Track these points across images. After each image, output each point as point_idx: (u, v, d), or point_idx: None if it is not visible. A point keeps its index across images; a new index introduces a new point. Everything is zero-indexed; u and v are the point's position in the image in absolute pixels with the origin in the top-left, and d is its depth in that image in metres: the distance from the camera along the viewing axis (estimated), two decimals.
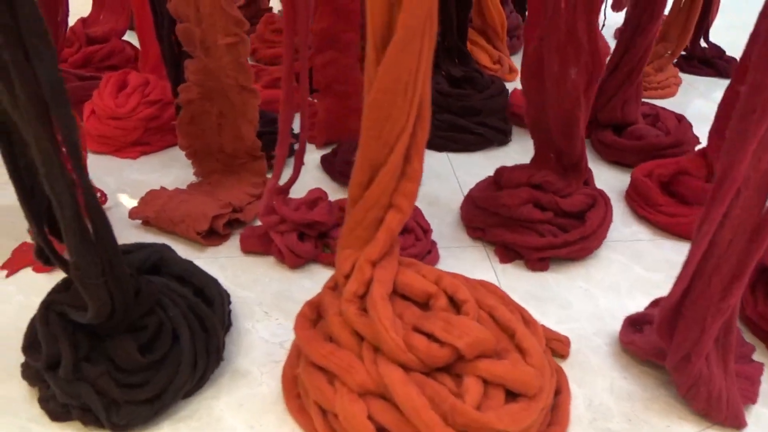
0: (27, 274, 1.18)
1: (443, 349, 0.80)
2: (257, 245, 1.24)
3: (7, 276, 1.16)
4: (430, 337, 0.82)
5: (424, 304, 0.91)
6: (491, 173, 1.37)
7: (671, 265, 1.27)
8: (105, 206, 1.37)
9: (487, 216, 1.27)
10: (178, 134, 1.37)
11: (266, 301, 1.13)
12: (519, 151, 1.72)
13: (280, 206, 1.20)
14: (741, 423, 0.91)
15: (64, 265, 0.88)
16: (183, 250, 1.23)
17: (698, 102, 2.16)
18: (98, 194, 1.28)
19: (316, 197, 1.25)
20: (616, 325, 1.09)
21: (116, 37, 2.08)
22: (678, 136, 1.58)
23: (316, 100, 1.64)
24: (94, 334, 0.89)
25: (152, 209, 1.29)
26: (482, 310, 0.89)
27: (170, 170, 1.56)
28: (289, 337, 1.04)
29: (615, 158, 1.63)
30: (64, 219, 0.76)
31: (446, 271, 0.94)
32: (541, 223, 1.22)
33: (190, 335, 0.91)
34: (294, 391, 0.92)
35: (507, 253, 1.25)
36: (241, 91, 1.28)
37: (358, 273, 0.87)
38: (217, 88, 1.31)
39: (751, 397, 0.94)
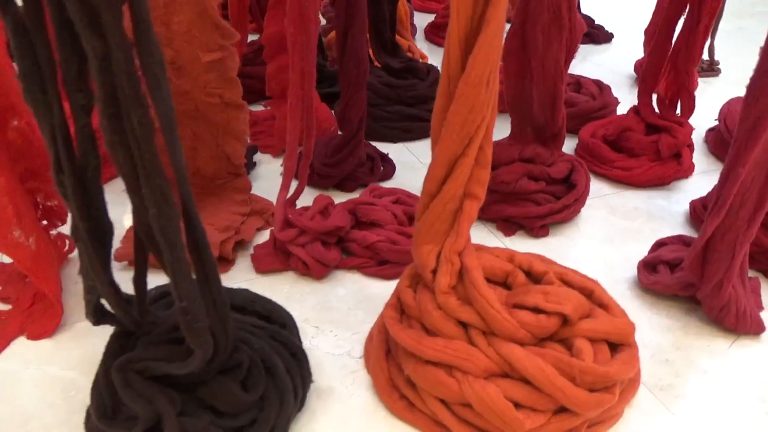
0: (21, 345, 1.02)
1: (551, 318, 0.85)
2: (274, 263, 1.19)
3: (0, 351, 1.00)
4: (533, 310, 0.86)
5: (503, 283, 0.95)
6: None
7: (640, 212, 1.44)
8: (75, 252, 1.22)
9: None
10: None
11: (310, 316, 1.09)
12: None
13: (297, 218, 1.16)
14: (762, 328, 1.07)
15: (129, 317, 0.80)
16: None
17: (586, 65, 2.40)
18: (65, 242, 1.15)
19: (326, 204, 1.23)
20: (626, 272, 1.22)
21: None
22: (603, 100, 1.76)
23: (269, 108, 1.58)
24: (181, 386, 0.81)
25: None
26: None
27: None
28: (352, 345, 1.03)
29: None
30: (174, 261, 0.69)
31: (510, 249, 0.99)
32: (536, 193, 1.31)
33: (284, 364, 0.86)
34: (394, 394, 0.91)
35: (510, 226, 1.33)
36: (225, 109, 1.21)
37: (447, 265, 0.88)
38: (190, 110, 1.22)
39: (760, 306, 1.11)
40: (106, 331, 1.02)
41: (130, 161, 0.66)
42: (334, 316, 1.09)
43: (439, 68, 0.87)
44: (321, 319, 1.09)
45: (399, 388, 0.91)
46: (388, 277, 1.18)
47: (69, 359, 0.99)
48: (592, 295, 0.94)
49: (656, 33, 1.52)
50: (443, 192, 0.87)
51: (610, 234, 1.35)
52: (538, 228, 1.31)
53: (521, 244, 1.30)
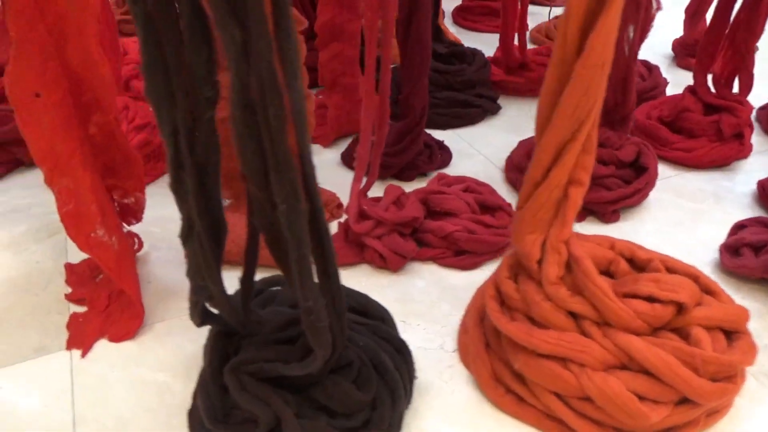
0: (104, 347, 1.00)
1: (667, 307, 0.83)
2: (348, 256, 1.16)
3: (83, 355, 0.98)
4: (647, 299, 0.84)
5: (606, 272, 0.93)
6: (508, 142, 1.46)
7: (706, 193, 1.41)
8: (143, 250, 1.19)
9: None
10: None
11: (394, 310, 1.05)
12: (513, 116, 1.77)
13: (372, 210, 1.13)
14: None
15: (236, 317, 0.77)
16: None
17: None
18: (134, 240, 1.12)
19: (398, 194, 1.20)
20: (705, 255, 1.20)
21: None
22: (654, 80, 1.73)
23: (320, 97, 1.55)
24: (293, 387, 0.79)
25: None
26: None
27: None
28: (444, 339, 1.01)
29: None
30: (301, 259, 0.66)
31: (610, 236, 0.96)
32: (607, 178, 1.28)
33: (392, 360, 0.84)
34: (499, 388, 0.89)
35: (580, 212, 1.30)
36: None
37: (554, 255, 0.86)
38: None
39: None
40: (188, 331, 1.01)
41: (259, 155, 0.63)
42: (418, 309, 1.07)
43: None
44: (405, 313, 1.06)
45: (505, 383, 0.89)
46: (466, 267, 1.15)
47: (156, 361, 0.96)
48: (697, 281, 0.91)
49: (715, 9, 1.49)
50: (549, 179, 0.84)
51: (680, 217, 1.33)
52: (609, 213, 1.28)
53: (593, 230, 1.27)
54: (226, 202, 1.30)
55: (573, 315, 0.85)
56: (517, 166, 1.42)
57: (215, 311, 0.81)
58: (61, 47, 0.84)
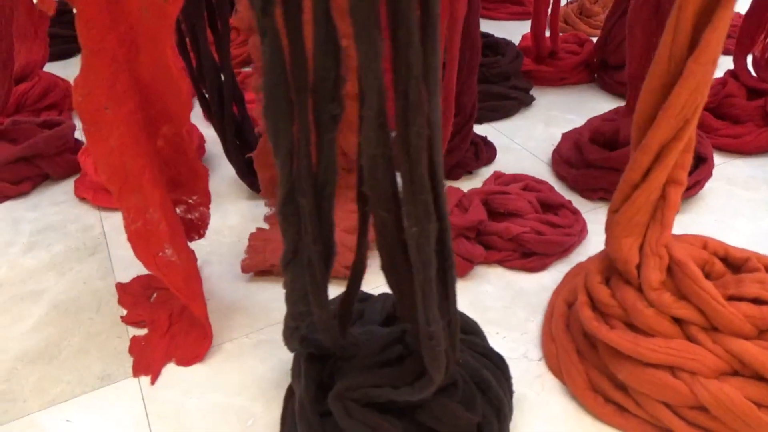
0: (173, 372, 0.95)
1: None
2: None
3: (153, 382, 0.93)
4: (753, 301, 0.81)
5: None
6: (548, 135, 1.47)
7: (758, 181, 1.39)
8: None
9: (610, 175, 1.27)
10: (257, 167, 1.17)
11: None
12: (546, 107, 1.73)
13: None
14: None
15: (337, 341, 0.73)
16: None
17: None
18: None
19: (459, 196, 1.16)
20: None
21: (38, 69, 1.70)
22: None
23: None
24: (397, 411, 0.75)
25: (277, 256, 1.09)
26: None
27: (224, 207, 1.33)
28: (526, 347, 0.97)
29: None
30: (427, 282, 0.62)
31: (701, 235, 0.93)
32: None
33: (494, 378, 0.80)
34: (598, 398, 0.86)
35: None
36: (346, 100, 1.12)
37: (655, 259, 0.82)
38: None
39: None
40: (257, 351, 0.97)
41: (390, 176, 0.58)
42: (493, 316, 1.03)
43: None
44: (480, 320, 1.01)
45: (603, 392, 0.86)
46: (534, 269, 1.11)
47: (230, 384, 0.92)
48: None
49: None
50: (649, 181, 0.80)
51: (738, 207, 1.30)
52: None
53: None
54: (270, 210, 1.25)
55: (677, 321, 0.82)
56: (566, 160, 1.38)
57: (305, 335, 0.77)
58: (132, 58, 0.79)
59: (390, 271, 0.66)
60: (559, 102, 1.75)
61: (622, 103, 1.72)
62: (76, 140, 1.47)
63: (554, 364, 0.92)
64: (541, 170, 1.43)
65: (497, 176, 1.26)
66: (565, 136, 1.46)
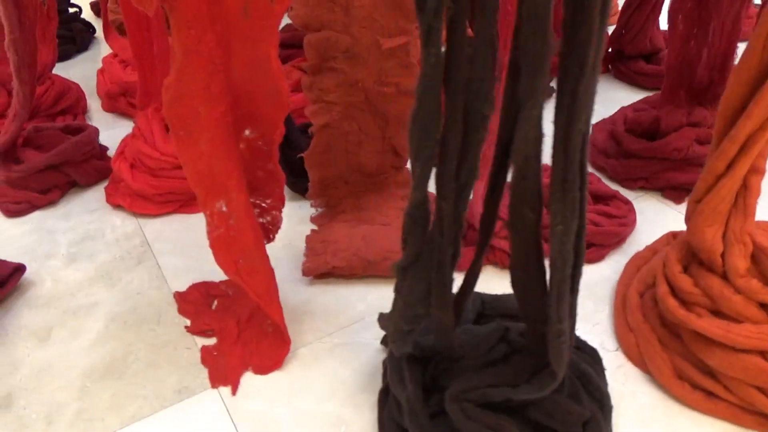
0: (251, 381, 0.92)
1: None
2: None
3: (234, 392, 0.90)
4: None
5: None
6: None
7: None
8: None
9: (651, 164, 1.29)
10: (308, 167, 1.15)
11: None
12: None
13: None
14: None
15: (450, 344, 0.73)
16: (387, 293, 1.07)
17: None
18: None
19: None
20: None
21: (48, 71, 1.63)
22: None
23: None
24: (509, 410, 0.75)
25: (339, 258, 1.08)
26: None
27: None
28: (601, 338, 0.98)
29: (655, 84, 1.74)
30: (563, 281, 0.62)
31: None
32: (704, 157, 1.28)
33: (594, 371, 0.81)
34: (686, 385, 0.87)
35: (679, 194, 1.30)
36: (400, 97, 1.11)
37: (739, 246, 0.84)
38: (359, 102, 1.12)
39: None
40: (334, 354, 0.96)
41: (538, 175, 0.58)
42: None
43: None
44: None
45: (690, 379, 0.87)
46: (592, 260, 1.13)
47: (315, 390, 0.90)
48: None
49: None
50: (734, 170, 0.82)
51: None
52: None
53: None
54: (317, 211, 1.23)
55: (763, 306, 0.84)
56: (602, 151, 1.40)
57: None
58: (226, 59, 0.76)
59: (520, 270, 0.65)
60: None
61: (640, 93, 1.75)
62: (101, 145, 1.42)
63: (635, 354, 0.93)
64: None
65: (544, 169, 1.26)
66: (598, 126, 1.47)
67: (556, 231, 0.58)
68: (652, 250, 1.10)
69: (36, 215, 1.30)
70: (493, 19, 0.51)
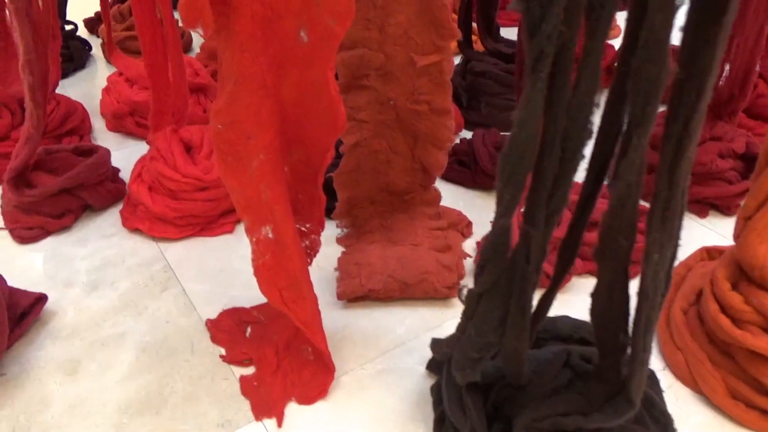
0: (294, 412, 0.89)
1: None
2: None
3: (280, 424, 0.87)
4: None
5: None
6: None
7: None
8: None
9: None
10: (337, 187, 1.12)
11: None
12: None
13: None
14: None
15: (519, 371, 0.71)
16: (426, 315, 1.05)
17: None
18: None
19: None
20: None
21: (53, 92, 1.58)
22: None
23: None
24: None
25: (374, 281, 1.05)
26: None
27: None
28: (655, 358, 0.97)
29: None
30: (653, 309, 0.60)
31: None
32: (727, 171, 1.29)
33: (654, 393, 0.80)
34: (739, 405, 0.86)
35: (703, 208, 1.30)
36: (431, 116, 1.09)
37: None
38: (389, 120, 1.10)
39: None
40: (379, 382, 0.93)
41: (636, 203, 0.57)
42: None
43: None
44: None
45: (745, 398, 0.86)
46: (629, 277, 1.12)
47: (364, 420, 0.87)
48: None
49: None
50: None
51: None
52: (736, 205, 1.29)
53: (719, 224, 1.27)
54: (342, 231, 1.21)
55: None
56: None
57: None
58: (278, 82, 0.73)
59: (605, 298, 0.64)
60: None
61: None
62: (113, 167, 1.38)
63: (685, 374, 0.93)
64: None
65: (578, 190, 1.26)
66: None
67: (651, 259, 0.57)
68: (687, 266, 1.09)
69: (50, 241, 1.25)
70: (602, 43, 0.50)
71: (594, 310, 0.66)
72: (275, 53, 0.71)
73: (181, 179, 1.19)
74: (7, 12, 1.11)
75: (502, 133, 1.51)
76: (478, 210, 1.32)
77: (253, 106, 0.72)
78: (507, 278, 0.62)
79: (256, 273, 0.83)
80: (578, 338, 0.87)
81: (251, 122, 0.72)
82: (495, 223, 0.60)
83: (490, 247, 0.61)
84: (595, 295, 0.65)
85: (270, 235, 0.80)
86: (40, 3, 1.19)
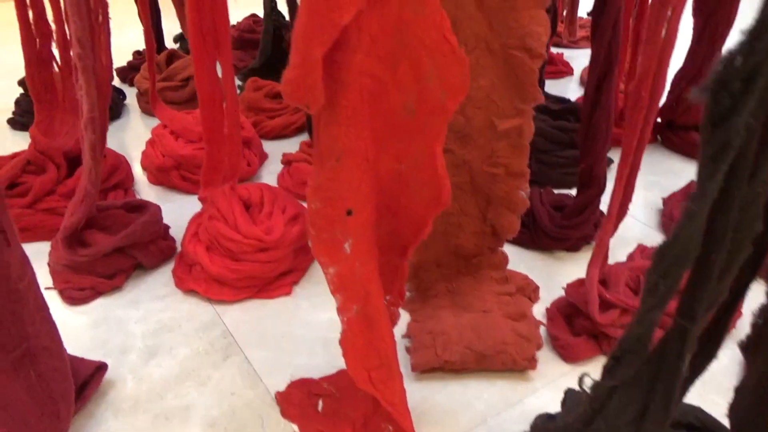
0: None
1: None
2: (586, 350, 1.05)
3: None
4: None
5: None
6: (643, 197, 1.52)
7: None
8: None
9: None
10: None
11: None
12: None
13: (617, 297, 1.04)
14: None
15: None
16: (505, 389, 1.00)
17: None
18: None
19: (615, 270, 1.11)
20: None
21: None
22: None
23: None
24: None
25: (450, 351, 1.01)
26: None
27: None
28: None
29: None
30: None
31: None
32: None
33: None
34: None
35: None
36: (507, 179, 1.07)
37: None
38: (463, 183, 1.08)
39: None
40: None
41: None
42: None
43: None
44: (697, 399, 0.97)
45: None
46: None
47: None
48: None
49: None
50: None
51: None
52: None
53: None
54: (409, 294, 1.17)
55: None
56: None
57: None
58: (377, 155, 0.71)
59: (754, 396, 0.59)
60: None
61: (693, 163, 1.75)
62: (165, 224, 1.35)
63: None
64: (656, 238, 1.41)
65: (642, 249, 1.23)
66: (669, 201, 1.45)
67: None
68: None
69: (100, 303, 1.20)
70: None
71: (736, 408, 0.62)
72: (379, 127, 0.69)
73: (242, 240, 1.15)
74: (73, 68, 1.09)
75: (556, 192, 1.48)
76: (540, 272, 1.28)
77: (355, 181, 0.69)
78: (650, 372, 0.58)
79: (345, 354, 0.78)
80: (686, 423, 0.83)
81: (352, 198, 0.69)
82: (642, 315, 0.56)
83: (633, 339, 0.57)
84: (740, 391, 0.61)
85: (362, 314, 0.76)
86: (104, 59, 1.17)
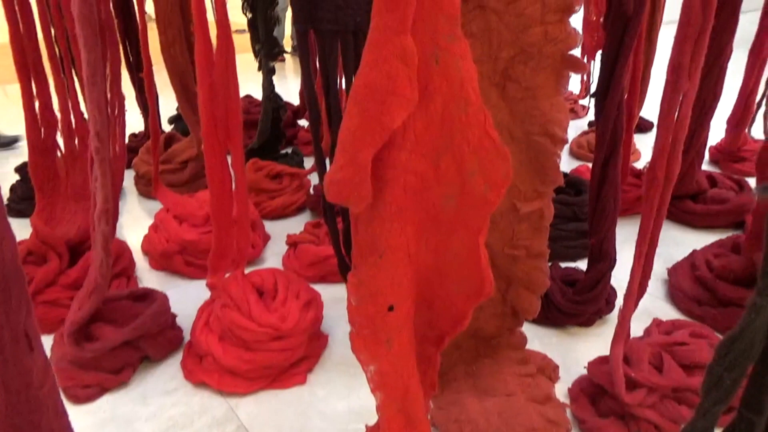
0: None
1: None
2: (616, 430, 1.03)
3: None
4: None
5: None
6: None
7: None
8: None
9: None
10: None
11: None
12: (629, 240, 1.75)
13: (643, 376, 1.02)
14: None
15: None
16: None
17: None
18: None
19: (636, 346, 1.10)
20: None
21: None
22: (749, 194, 1.80)
23: None
24: None
25: None
26: None
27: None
28: None
29: (706, 223, 1.78)
30: None
31: None
32: None
33: None
34: None
35: None
36: (528, 259, 1.07)
37: None
38: None
39: None
40: None
41: None
42: None
43: None
44: None
45: None
46: None
47: None
48: None
49: None
50: None
51: None
52: None
53: None
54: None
55: None
56: (693, 298, 1.37)
57: None
58: (417, 249, 0.70)
59: None
60: (634, 234, 1.78)
61: (695, 232, 1.78)
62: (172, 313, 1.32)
63: None
64: (664, 309, 1.41)
65: (658, 323, 1.22)
66: (675, 271, 1.47)
67: None
68: None
69: (106, 400, 1.15)
70: None
71: None
72: (420, 221, 0.69)
73: (257, 329, 1.13)
74: (90, 161, 1.09)
75: (562, 265, 1.49)
76: (556, 349, 1.27)
77: (397, 277, 0.68)
78: None
79: None
80: None
81: (393, 294, 0.68)
82: (707, 409, 0.55)
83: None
84: None
85: (402, 412, 0.73)
86: (118, 148, 1.18)
